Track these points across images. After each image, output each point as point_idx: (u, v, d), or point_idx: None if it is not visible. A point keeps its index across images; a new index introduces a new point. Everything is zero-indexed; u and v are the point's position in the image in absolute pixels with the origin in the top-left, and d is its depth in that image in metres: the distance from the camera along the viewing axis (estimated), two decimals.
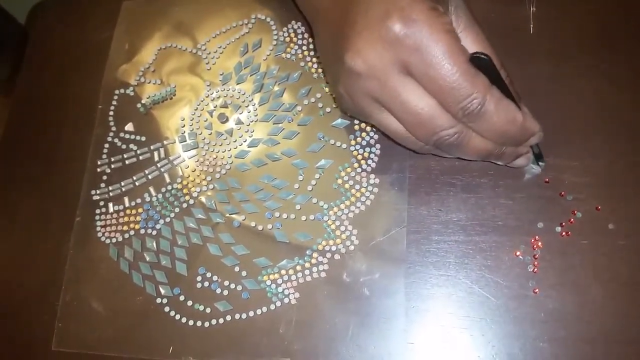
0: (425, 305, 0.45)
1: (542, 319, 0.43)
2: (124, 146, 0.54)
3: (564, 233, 0.45)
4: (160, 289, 0.49)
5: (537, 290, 0.44)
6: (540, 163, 0.46)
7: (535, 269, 0.44)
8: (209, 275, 0.49)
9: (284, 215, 0.49)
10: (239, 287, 0.48)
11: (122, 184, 0.53)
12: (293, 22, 0.55)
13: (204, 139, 0.53)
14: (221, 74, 0.55)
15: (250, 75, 0.54)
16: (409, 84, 0.38)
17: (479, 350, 0.44)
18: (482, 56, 0.36)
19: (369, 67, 0.38)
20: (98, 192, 0.53)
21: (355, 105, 0.41)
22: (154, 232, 0.51)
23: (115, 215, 0.52)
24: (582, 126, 0.47)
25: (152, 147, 0.53)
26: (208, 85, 0.55)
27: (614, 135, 0.47)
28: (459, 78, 0.36)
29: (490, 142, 0.41)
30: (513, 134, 0.40)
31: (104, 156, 0.54)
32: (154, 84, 0.56)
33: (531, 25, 0.51)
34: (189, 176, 0.52)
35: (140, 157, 0.53)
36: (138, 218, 0.51)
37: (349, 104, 0.42)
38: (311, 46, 0.54)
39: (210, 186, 0.51)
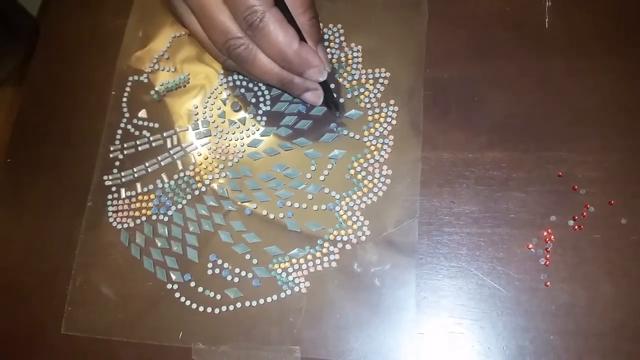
0: (435, 296, 0.45)
1: (553, 312, 0.44)
2: (136, 133, 0.54)
3: (576, 227, 0.45)
4: (171, 275, 0.49)
5: (548, 283, 0.44)
6: (337, 113, 0.50)
7: (547, 262, 0.44)
8: (219, 262, 0.49)
9: (296, 205, 0.49)
10: (250, 275, 0.48)
11: (135, 170, 0.53)
12: None
13: (217, 127, 0.53)
14: None
15: None
16: None
17: (489, 342, 0.44)
18: None
19: None
20: (110, 177, 0.53)
21: (170, 4, 0.47)
22: (166, 219, 0.51)
23: (127, 201, 0.52)
24: (596, 121, 0.47)
25: (165, 134, 0.54)
26: (221, 74, 0.55)
27: (628, 130, 0.47)
28: None
29: (275, 64, 0.45)
30: (290, 59, 0.44)
31: (117, 142, 0.54)
32: (167, 71, 0.56)
33: (546, 20, 0.51)
34: (202, 164, 0.52)
35: (153, 144, 0.53)
36: (150, 204, 0.52)
37: (168, 4, 0.47)
38: (326, 36, 0.54)
39: (223, 174, 0.51)
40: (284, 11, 0.43)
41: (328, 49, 0.53)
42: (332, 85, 0.51)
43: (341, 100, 0.51)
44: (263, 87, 0.53)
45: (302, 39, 0.44)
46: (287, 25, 0.43)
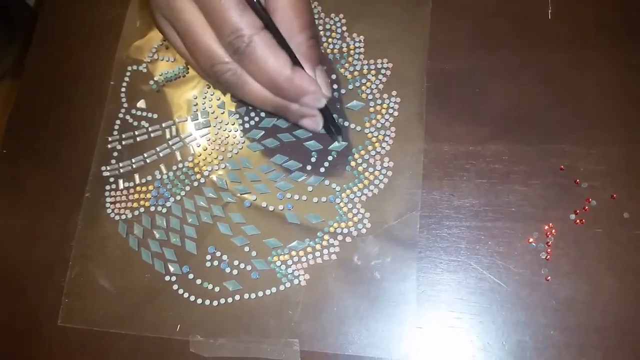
0: (435, 290, 0.45)
1: (553, 307, 0.43)
2: (135, 123, 0.54)
3: (578, 221, 0.45)
4: (169, 267, 0.49)
5: (549, 277, 0.44)
6: (338, 138, 0.47)
7: (548, 257, 0.44)
8: (218, 254, 0.48)
9: (296, 197, 0.49)
10: (249, 267, 0.48)
11: (133, 160, 0.52)
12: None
13: (216, 117, 0.52)
14: None
15: None
16: (193, 10, 0.39)
17: (489, 337, 0.43)
18: None
19: None
20: (108, 168, 0.52)
21: (154, 19, 0.43)
22: (164, 210, 0.50)
23: (125, 192, 0.52)
24: (599, 114, 0.47)
25: (163, 125, 0.53)
26: None
27: (631, 124, 0.46)
28: (225, 12, 0.37)
29: (267, 90, 0.41)
30: (282, 86, 0.40)
31: (115, 132, 0.54)
32: (166, 61, 0.55)
33: (549, 11, 0.50)
34: (201, 155, 0.51)
35: (152, 135, 0.53)
36: (148, 195, 0.51)
37: (153, 17, 0.43)
38: (327, 26, 0.53)
39: (222, 165, 0.51)
40: (275, 33, 0.39)
41: (330, 39, 0.53)
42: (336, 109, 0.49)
43: (346, 123, 0.50)
44: None
45: (297, 62, 0.40)
46: (278, 49, 0.39)
